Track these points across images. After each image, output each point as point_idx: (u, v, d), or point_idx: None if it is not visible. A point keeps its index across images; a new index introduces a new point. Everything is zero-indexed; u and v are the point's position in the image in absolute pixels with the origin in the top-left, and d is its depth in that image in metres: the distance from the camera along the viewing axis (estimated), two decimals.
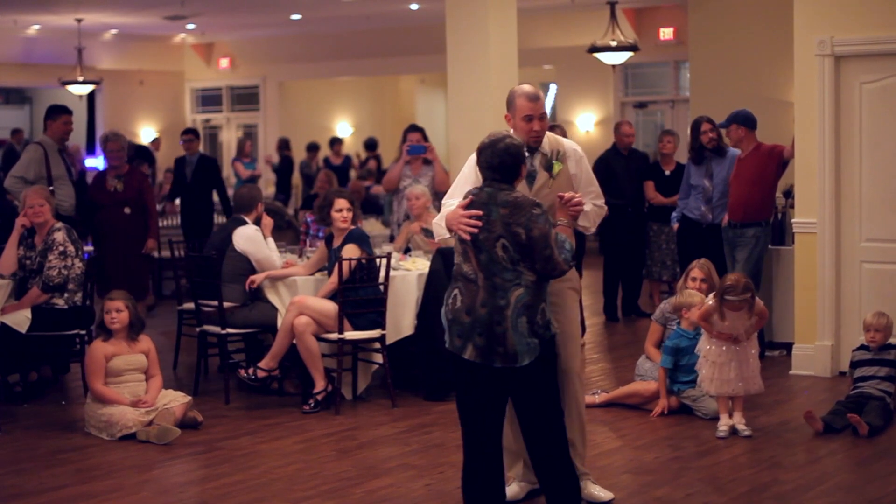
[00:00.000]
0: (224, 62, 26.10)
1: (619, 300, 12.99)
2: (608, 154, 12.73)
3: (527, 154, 6.18)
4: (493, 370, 5.80)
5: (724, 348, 7.96)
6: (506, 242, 5.74)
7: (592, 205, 6.30)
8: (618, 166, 12.46)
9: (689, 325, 8.51)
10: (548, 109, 25.02)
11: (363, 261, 8.77)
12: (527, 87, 6.32)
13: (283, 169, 21.36)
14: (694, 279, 8.81)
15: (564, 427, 5.99)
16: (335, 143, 21.48)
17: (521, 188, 6.15)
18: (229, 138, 26.32)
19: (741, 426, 7.95)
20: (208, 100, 26.83)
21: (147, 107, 25.69)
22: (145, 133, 25.36)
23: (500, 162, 5.83)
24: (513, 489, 6.46)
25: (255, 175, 21.27)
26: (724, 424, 7.98)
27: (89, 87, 21.68)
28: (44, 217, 9.10)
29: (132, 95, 25.30)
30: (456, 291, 5.92)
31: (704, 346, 8.08)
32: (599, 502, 6.42)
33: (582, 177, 6.36)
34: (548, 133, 6.33)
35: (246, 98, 26.44)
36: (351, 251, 8.79)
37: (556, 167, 6.24)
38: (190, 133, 14.33)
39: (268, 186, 22.52)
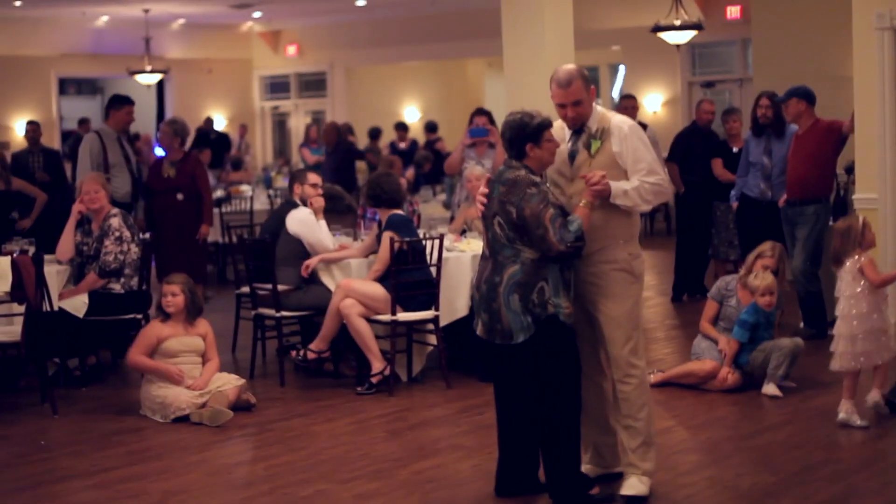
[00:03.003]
0: (291, 49, 26.24)
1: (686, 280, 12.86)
2: (687, 131, 12.86)
3: (569, 133, 6.16)
4: (496, 347, 5.97)
5: (867, 311, 7.48)
6: (500, 220, 5.91)
7: (639, 181, 6.01)
8: (696, 144, 12.42)
9: (766, 305, 8.52)
10: (616, 91, 24.75)
11: (403, 246, 8.72)
12: (560, 72, 6.10)
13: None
14: (766, 268, 8.72)
15: (556, 409, 5.99)
16: (400, 127, 21.48)
17: (563, 166, 6.14)
18: (297, 125, 26.45)
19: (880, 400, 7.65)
20: (276, 87, 27.00)
21: (215, 95, 25.91)
22: (215, 121, 25.55)
23: (502, 133, 6.03)
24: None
25: (322, 161, 21.34)
26: (845, 409, 7.54)
27: (157, 77, 21.91)
28: (100, 203, 9.20)
29: (200, 84, 25.53)
30: (479, 269, 6.15)
31: (852, 310, 7.51)
32: (628, 494, 6.14)
33: (627, 154, 6.05)
34: (601, 110, 6.18)
35: (314, 84, 26.57)
36: (386, 238, 8.78)
37: (595, 145, 6.07)
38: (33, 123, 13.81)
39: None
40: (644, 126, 10.33)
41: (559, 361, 5.97)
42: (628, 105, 12.60)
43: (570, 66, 6.15)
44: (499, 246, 5.95)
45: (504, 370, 6.12)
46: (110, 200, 9.34)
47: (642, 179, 6.03)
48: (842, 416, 7.52)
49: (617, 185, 5.99)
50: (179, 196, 10.96)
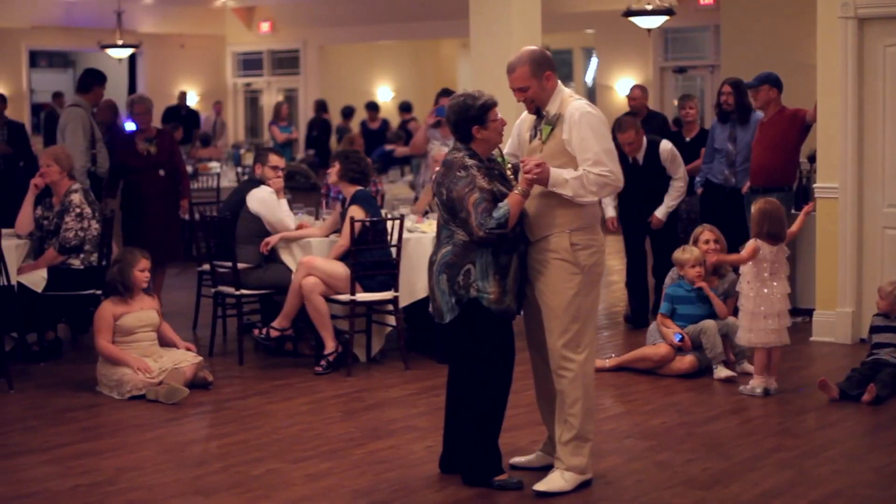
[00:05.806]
0: (265, 26, 26.10)
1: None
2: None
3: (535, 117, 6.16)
4: (438, 325, 6.14)
5: (761, 294, 7.97)
6: (437, 201, 6.03)
7: (583, 171, 5.88)
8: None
9: (696, 277, 8.75)
10: (590, 79, 24.49)
11: (367, 223, 8.73)
12: (512, 57, 6.10)
13: (321, 131, 21.35)
14: (707, 241, 8.83)
15: (478, 392, 6.07)
16: (371, 107, 21.44)
17: (524, 150, 6.17)
18: (270, 102, 26.30)
19: (773, 384, 8.08)
20: (249, 63, 26.87)
21: (188, 71, 25.75)
22: (187, 97, 25.42)
23: (447, 118, 6.08)
24: (530, 457, 6.47)
25: (292, 139, 21.31)
26: (758, 382, 8.10)
27: (128, 51, 21.71)
28: (51, 177, 9.16)
29: (173, 59, 25.36)
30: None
31: (744, 297, 8.08)
32: (540, 490, 6.04)
33: (574, 142, 5.94)
34: (566, 94, 6.07)
35: (287, 62, 26.45)
36: (354, 213, 8.77)
37: (545, 131, 6.04)
38: None
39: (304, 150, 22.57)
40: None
41: (481, 346, 6.03)
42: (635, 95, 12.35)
43: (524, 51, 6.09)
44: (440, 227, 6.09)
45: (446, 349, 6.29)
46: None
47: (587, 169, 5.90)
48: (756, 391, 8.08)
49: (557, 174, 5.87)
50: (161, 172, 10.90)
